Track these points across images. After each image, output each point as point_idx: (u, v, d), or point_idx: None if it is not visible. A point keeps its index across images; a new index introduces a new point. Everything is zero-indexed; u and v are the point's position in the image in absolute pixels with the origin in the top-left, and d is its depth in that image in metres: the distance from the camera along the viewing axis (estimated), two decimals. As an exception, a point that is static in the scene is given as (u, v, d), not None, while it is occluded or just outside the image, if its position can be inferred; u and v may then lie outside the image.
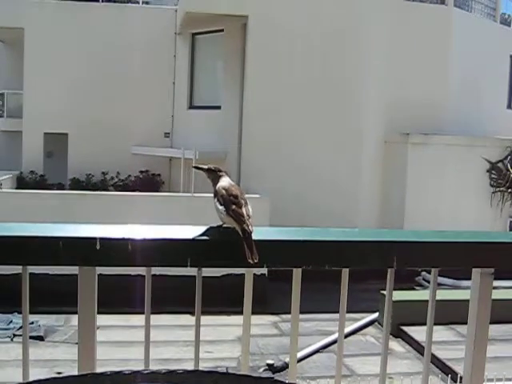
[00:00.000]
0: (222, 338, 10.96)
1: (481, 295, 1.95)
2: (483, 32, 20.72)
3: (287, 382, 1.31)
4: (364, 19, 17.83)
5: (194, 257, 1.68)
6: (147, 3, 21.57)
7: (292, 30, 17.38)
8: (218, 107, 18.88)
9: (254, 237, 1.64)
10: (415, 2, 19.06)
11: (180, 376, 1.27)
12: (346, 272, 1.85)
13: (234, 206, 1.68)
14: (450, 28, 19.28)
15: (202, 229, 1.71)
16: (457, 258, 1.93)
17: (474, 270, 1.97)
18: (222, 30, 18.76)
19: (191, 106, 20.20)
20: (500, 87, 22.30)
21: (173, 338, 10.75)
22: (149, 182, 19.79)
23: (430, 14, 19.05)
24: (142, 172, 20.07)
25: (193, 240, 1.67)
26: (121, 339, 10.88)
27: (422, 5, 19.15)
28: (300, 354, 10.35)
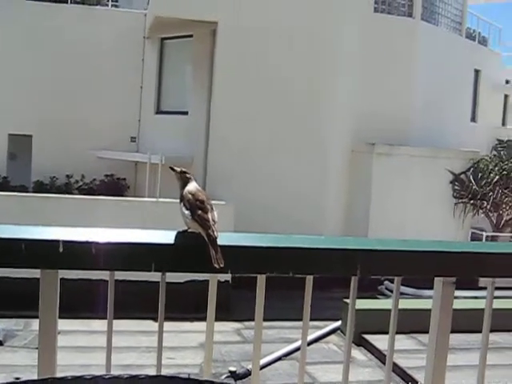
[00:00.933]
0: (185, 345, 10.89)
1: (442, 304, 1.97)
2: (449, 45, 21.05)
3: None
4: (334, 29, 17.98)
5: (158, 261, 1.67)
6: (116, 6, 21.44)
7: (262, 38, 17.43)
8: (186, 112, 18.83)
9: (219, 242, 1.63)
10: (383, 13, 19.27)
11: (142, 381, 1.26)
12: (310, 279, 1.85)
13: (199, 211, 1.68)
14: (416, 41, 19.55)
15: (167, 233, 1.70)
16: (420, 266, 1.95)
17: (436, 278, 1.99)
18: (191, 36, 18.73)
19: (158, 111, 20.12)
20: (464, 100, 22.67)
21: (135, 344, 10.65)
22: (114, 186, 19.61)
23: (397, 26, 19.28)
24: (107, 176, 19.90)
25: (157, 244, 1.66)
26: (82, 344, 10.73)
27: (391, 17, 19.35)
28: (262, 362, 10.34)
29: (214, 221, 1.68)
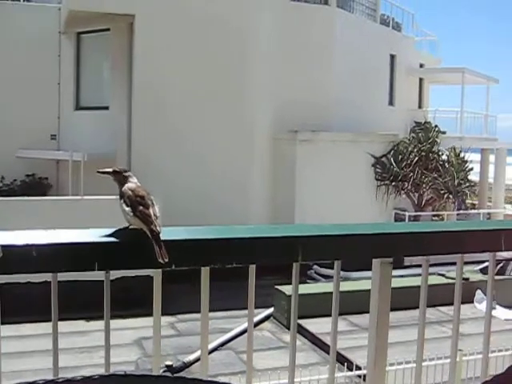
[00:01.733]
0: (119, 342, 10.77)
1: (381, 284, 2.03)
2: (364, 32, 21.47)
3: (189, 377, 1.31)
4: (252, 18, 18.05)
5: (102, 260, 1.64)
6: (29, 0, 20.77)
7: (181, 29, 17.30)
8: (106, 107, 18.52)
9: (162, 237, 1.63)
10: (300, 2, 19.46)
11: (95, 382, 1.24)
12: (252, 268, 1.87)
13: (140, 207, 1.66)
14: (332, 28, 19.85)
15: (109, 231, 1.68)
16: (358, 249, 1.99)
17: (374, 260, 2.05)
18: (108, 29, 18.40)
19: (78, 107, 19.70)
20: (381, 85, 23.19)
21: (68, 346, 10.46)
22: (36, 185, 19.10)
23: (314, 14, 19.51)
24: (28, 176, 19.35)
25: (100, 243, 1.64)
26: (12, 350, 10.45)
27: (307, 5, 19.58)
28: (197, 354, 10.35)
29: (155, 216, 1.66)
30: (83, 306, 10.50)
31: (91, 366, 9.31)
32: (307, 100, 18.69)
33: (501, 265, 13.77)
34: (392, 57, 23.73)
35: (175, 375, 1.32)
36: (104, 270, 1.69)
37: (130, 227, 1.69)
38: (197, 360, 10.27)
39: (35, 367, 8.86)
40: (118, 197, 1.72)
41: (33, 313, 9.29)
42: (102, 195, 12.51)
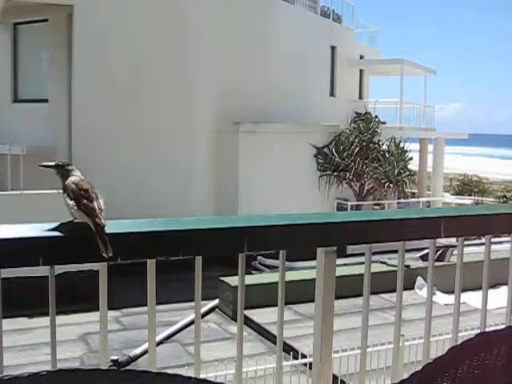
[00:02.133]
0: (63, 338, 10.60)
1: (326, 272, 2.06)
2: (305, 23, 21.60)
3: (138, 370, 1.31)
4: (192, 10, 17.92)
5: (46, 255, 1.62)
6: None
7: (121, 20, 17.08)
8: (46, 100, 18.14)
9: (108, 230, 1.61)
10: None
11: (42, 378, 1.23)
12: (199, 259, 1.88)
13: (84, 201, 1.64)
14: (273, 18, 19.92)
15: (53, 225, 1.66)
16: (303, 238, 2.02)
17: (318, 249, 2.08)
18: (46, 20, 18.01)
19: (16, 100, 19.23)
20: (323, 76, 23.39)
21: (10, 344, 10.24)
22: (-27, 181, 18.57)
23: (254, 3, 19.54)
24: (-37, 170, 18.80)
25: (44, 238, 1.61)
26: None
27: (247, -5, 19.61)
28: (143, 347, 10.29)
29: (100, 209, 1.65)
30: (24, 302, 10.31)
31: (35, 364, 9.14)
32: (249, 90, 18.77)
33: (440, 251, 14.09)
34: (333, 48, 23.96)
35: (122, 369, 1.31)
36: (49, 265, 1.67)
37: (75, 221, 1.67)
38: (143, 354, 10.21)
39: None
40: (62, 190, 1.70)
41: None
42: (43, 189, 12.31)
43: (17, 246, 1.60)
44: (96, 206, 1.65)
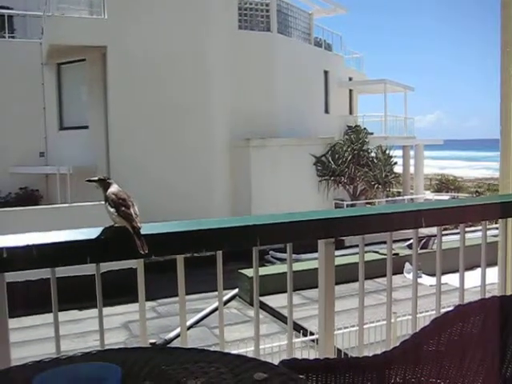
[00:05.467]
0: (108, 327, 10.61)
1: (327, 261, 2.06)
2: (301, 52, 21.65)
3: (173, 347, 1.32)
4: (207, 46, 18.03)
5: (93, 254, 1.64)
6: (13, 37, 20.26)
7: (147, 56, 17.18)
8: (86, 127, 18.27)
9: (142, 232, 1.64)
10: (246, 30, 19.65)
11: (81, 357, 1.25)
12: (219, 254, 1.89)
13: (123, 208, 1.66)
14: (274, 50, 20.01)
15: (97, 230, 1.68)
16: (305, 233, 2.03)
17: (319, 241, 2.08)
18: (84, 60, 18.14)
19: (62, 128, 19.36)
20: (318, 96, 23.39)
21: (65, 332, 10.27)
22: (28, 197, 18.68)
23: (258, 39, 19.67)
24: (21, 189, 18.93)
25: (90, 240, 1.64)
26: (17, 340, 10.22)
27: (253, 32, 19.82)
28: (176, 331, 10.30)
29: (136, 214, 1.67)
30: (75, 297, 10.38)
31: (87, 349, 9.17)
32: (257, 111, 18.94)
33: (424, 240, 14.03)
34: (325, 72, 23.93)
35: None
36: (95, 263, 1.69)
37: (115, 225, 1.69)
38: (176, 337, 10.22)
39: (38, 353, 8.69)
40: (104, 200, 1.72)
41: (31, 306, 9.14)
42: (86, 202, 12.39)
43: (68, 248, 1.62)
44: (132, 212, 1.67)
